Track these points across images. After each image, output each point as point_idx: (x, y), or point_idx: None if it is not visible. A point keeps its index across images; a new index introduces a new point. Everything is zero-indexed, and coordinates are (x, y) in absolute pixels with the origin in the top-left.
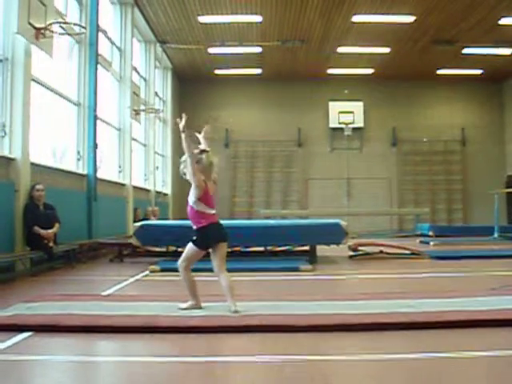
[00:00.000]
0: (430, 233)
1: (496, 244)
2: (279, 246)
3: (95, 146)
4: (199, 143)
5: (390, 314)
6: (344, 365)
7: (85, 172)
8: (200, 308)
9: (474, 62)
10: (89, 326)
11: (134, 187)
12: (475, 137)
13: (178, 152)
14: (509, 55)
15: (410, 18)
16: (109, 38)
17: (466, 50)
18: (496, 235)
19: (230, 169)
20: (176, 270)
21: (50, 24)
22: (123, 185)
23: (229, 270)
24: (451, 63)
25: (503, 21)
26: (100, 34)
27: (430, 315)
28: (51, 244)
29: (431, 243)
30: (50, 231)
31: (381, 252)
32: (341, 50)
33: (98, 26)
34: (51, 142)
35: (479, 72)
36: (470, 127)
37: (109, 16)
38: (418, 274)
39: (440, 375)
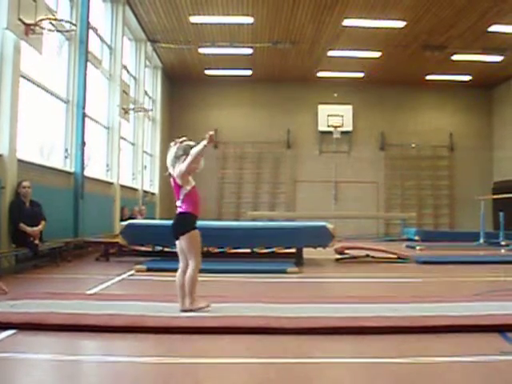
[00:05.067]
0: (417, 237)
1: (481, 249)
2: (266, 248)
3: (83, 143)
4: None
5: (375, 317)
6: (328, 368)
7: (72, 170)
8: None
9: (463, 69)
10: (73, 325)
11: (122, 186)
12: (463, 143)
13: (165, 151)
14: (498, 62)
15: (401, 24)
16: (99, 36)
17: (455, 57)
18: (482, 241)
19: (218, 169)
20: (162, 270)
21: (40, 20)
22: (111, 183)
23: (215, 271)
24: (440, 69)
25: (493, 28)
26: (90, 31)
27: (414, 320)
28: (37, 241)
29: (417, 248)
30: (35, 228)
31: (367, 256)
32: (331, 53)
33: (88, 23)
34: (39, 139)
35: (468, 78)
36: (458, 133)
37: (100, 14)
38: (403, 279)
39: (423, 380)
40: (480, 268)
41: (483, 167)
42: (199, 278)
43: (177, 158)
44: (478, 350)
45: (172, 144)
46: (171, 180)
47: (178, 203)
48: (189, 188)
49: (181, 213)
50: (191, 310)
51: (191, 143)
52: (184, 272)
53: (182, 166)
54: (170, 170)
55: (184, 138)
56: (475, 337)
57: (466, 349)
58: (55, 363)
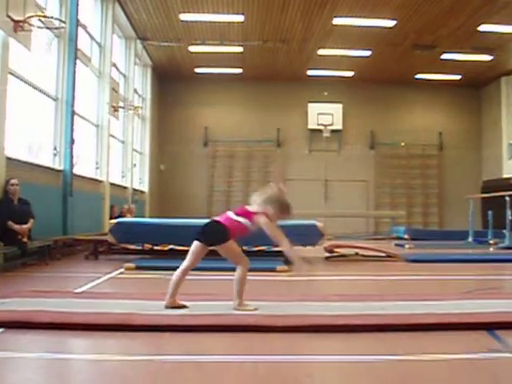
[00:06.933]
0: (406, 236)
1: (470, 248)
2: (255, 246)
3: (72, 141)
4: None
5: (364, 315)
6: (316, 366)
7: (61, 168)
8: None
9: (452, 68)
10: (61, 323)
11: (111, 184)
12: (452, 142)
13: (155, 149)
14: (487, 61)
15: (391, 23)
16: (89, 33)
17: (445, 56)
18: (470, 239)
19: (207, 168)
20: (151, 268)
21: (29, 17)
22: (100, 181)
23: (205, 269)
24: (430, 68)
25: (482, 27)
26: (80, 28)
27: (402, 318)
28: (25, 239)
29: (406, 246)
30: (24, 226)
31: (356, 254)
32: (321, 51)
33: (77, 20)
34: (28, 137)
35: (458, 77)
36: (448, 132)
37: (89, 11)
38: (392, 277)
39: (411, 377)
40: (469, 266)
41: (472, 166)
42: (189, 277)
43: (266, 202)
44: (466, 347)
45: (272, 184)
46: (245, 206)
47: (230, 215)
48: (251, 226)
49: (222, 224)
50: (243, 310)
51: (287, 202)
52: (183, 272)
53: (262, 221)
54: (252, 201)
55: (284, 186)
56: (463, 334)
57: (454, 346)
58: (43, 362)
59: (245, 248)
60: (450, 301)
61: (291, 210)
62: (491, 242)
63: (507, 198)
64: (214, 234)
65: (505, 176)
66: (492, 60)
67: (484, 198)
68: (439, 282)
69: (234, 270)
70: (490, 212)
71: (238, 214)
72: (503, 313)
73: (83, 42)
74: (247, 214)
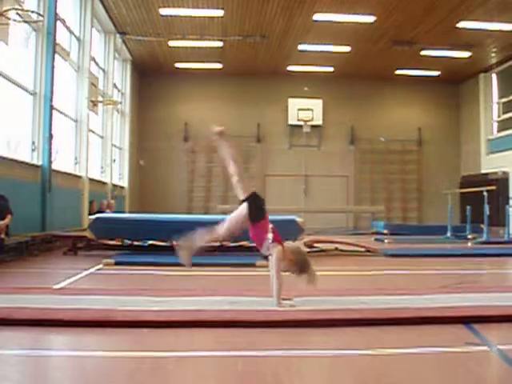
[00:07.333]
0: (385, 231)
1: (449, 243)
2: (235, 242)
3: (51, 136)
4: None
5: (342, 310)
6: (295, 360)
7: (39, 163)
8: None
9: (431, 64)
10: (39, 320)
11: (91, 179)
12: (431, 137)
13: (135, 145)
14: (466, 58)
15: (371, 18)
16: (67, 27)
17: (424, 52)
18: (449, 234)
19: (187, 163)
20: (130, 264)
21: (7, 10)
22: (79, 177)
23: (184, 265)
24: (410, 64)
25: (461, 24)
26: (58, 22)
27: (381, 312)
28: (3, 236)
29: (385, 241)
30: (1, 222)
31: (336, 249)
32: (301, 47)
33: (56, 14)
34: (5, 132)
35: (437, 74)
36: (427, 128)
37: (68, 5)
38: (371, 272)
39: (389, 371)
40: (447, 261)
41: (451, 161)
42: (171, 273)
43: (296, 251)
44: (444, 341)
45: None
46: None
47: (269, 222)
48: (266, 243)
49: (266, 213)
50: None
51: (306, 269)
52: None
53: (276, 249)
54: (288, 243)
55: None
56: (441, 328)
57: (432, 340)
58: (21, 359)
59: (223, 243)
60: (427, 295)
61: (301, 274)
62: (469, 236)
63: (485, 193)
64: (260, 205)
65: (483, 171)
66: (470, 56)
67: (462, 193)
68: (418, 276)
69: (219, 266)
70: (468, 207)
71: (272, 229)
72: (480, 307)
73: (62, 36)
74: (276, 236)
